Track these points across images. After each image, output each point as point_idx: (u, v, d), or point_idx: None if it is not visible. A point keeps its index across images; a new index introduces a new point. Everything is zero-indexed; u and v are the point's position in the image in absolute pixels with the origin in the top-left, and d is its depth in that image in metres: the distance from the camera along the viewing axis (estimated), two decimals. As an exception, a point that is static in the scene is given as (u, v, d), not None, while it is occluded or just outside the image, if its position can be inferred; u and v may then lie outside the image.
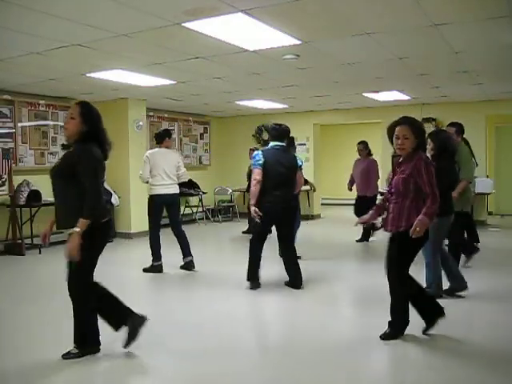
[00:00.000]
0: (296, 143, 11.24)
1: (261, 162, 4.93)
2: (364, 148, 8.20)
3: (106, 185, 8.60)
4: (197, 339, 3.70)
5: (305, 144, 11.36)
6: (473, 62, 6.06)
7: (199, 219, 10.84)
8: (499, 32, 4.73)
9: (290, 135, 5.53)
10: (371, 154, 8.29)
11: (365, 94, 8.67)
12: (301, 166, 5.62)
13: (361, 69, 6.40)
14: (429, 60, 5.99)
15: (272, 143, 5.15)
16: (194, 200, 10.91)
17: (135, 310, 3.27)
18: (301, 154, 11.30)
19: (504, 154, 11.18)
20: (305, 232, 9.07)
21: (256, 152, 5.12)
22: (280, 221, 5.09)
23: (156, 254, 5.91)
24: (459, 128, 5.51)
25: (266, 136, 11.47)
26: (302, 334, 3.83)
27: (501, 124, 11.11)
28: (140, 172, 5.98)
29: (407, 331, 3.58)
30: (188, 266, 5.94)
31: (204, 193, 10.80)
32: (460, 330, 3.85)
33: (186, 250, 5.95)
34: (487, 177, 9.54)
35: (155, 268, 5.90)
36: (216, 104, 9.87)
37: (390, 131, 3.59)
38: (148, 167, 5.87)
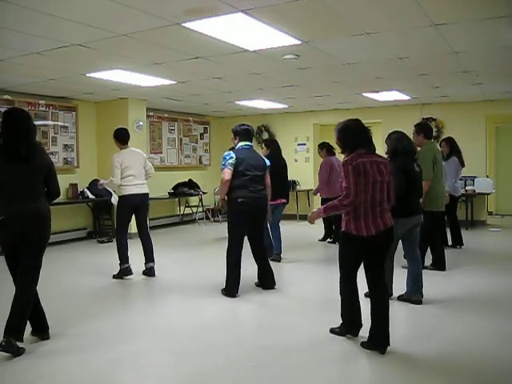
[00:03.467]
0: (296, 143, 11.42)
1: (232, 161, 4.80)
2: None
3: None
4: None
5: (305, 144, 11.37)
6: (473, 62, 6.06)
7: (199, 219, 10.82)
8: (499, 32, 4.73)
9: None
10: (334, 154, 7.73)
11: (365, 94, 8.67)
12: (269, 166, 5.30)
13: (361, 69, 6.41)
14: (429, 60, 5.99)
15: (242, 143, 5.01)
16: (194, 200, 10.91)
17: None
18: (301, 153, 11.39)
19: (504, 154, 11.17)
20: (304, 232, 9.08)
21: (227, 152, 4.93)
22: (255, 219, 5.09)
23: (124, 257, 5.74)
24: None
25: (265, 136, 11.52)
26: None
27: (501, 124, 11.10)
28: (112, 178, 5.70)
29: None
30: (149, 272, 5.79)
31: (204, 193, 10.80)
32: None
33: (149, 255, 5.84)
34: (487, 177, 9.54)
35: (124, 271, 5.70)
36: (216, 104, 9.87)
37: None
38: (119, 171, 5.65)
